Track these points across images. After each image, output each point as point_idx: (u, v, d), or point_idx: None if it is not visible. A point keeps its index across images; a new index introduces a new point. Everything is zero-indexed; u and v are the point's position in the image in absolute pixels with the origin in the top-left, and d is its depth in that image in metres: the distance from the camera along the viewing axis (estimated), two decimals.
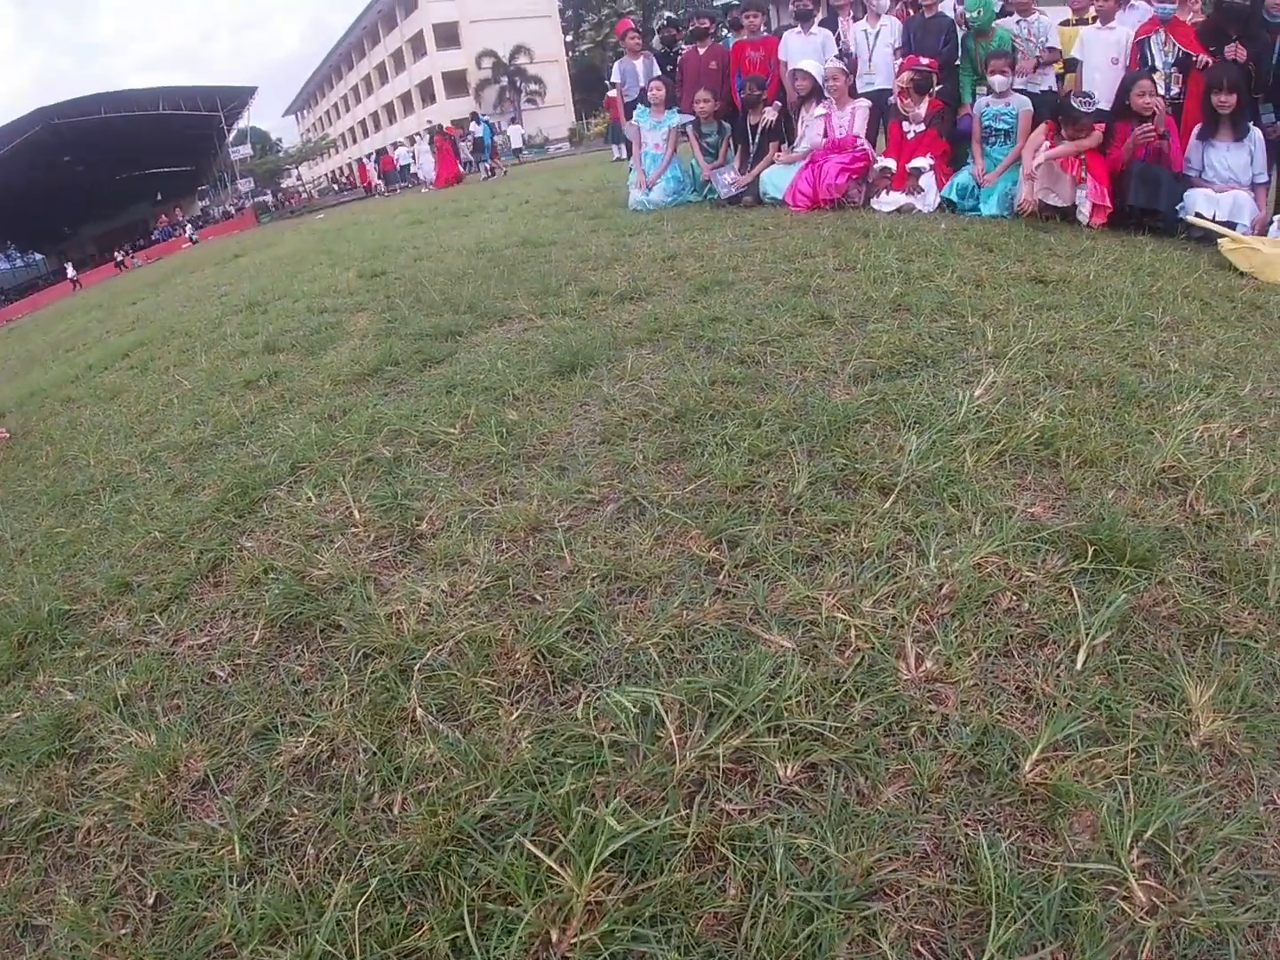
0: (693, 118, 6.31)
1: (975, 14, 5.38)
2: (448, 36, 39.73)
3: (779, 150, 5.99)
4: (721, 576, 1.63)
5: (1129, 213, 4.55)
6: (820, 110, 5.73)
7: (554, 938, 1.02)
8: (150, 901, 1.18)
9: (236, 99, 32.75)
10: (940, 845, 1.11)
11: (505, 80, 38.79)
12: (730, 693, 1.31)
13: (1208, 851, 1.08)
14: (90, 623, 1.89)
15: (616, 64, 7.57)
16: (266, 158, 40.90)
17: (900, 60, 5.61)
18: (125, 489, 2.61)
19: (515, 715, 1.35)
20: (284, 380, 3.35)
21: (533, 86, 39.36)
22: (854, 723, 1.28)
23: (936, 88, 5.36)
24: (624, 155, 12.84)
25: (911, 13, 6.05)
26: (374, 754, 1.32)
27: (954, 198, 5.24)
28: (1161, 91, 4.59)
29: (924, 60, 5.34)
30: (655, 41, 7.87)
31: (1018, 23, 5.35)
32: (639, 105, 6.72)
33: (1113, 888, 1.05)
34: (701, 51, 6.47)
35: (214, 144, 33.04)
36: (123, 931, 1.15)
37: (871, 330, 2.84)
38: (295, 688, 1.51)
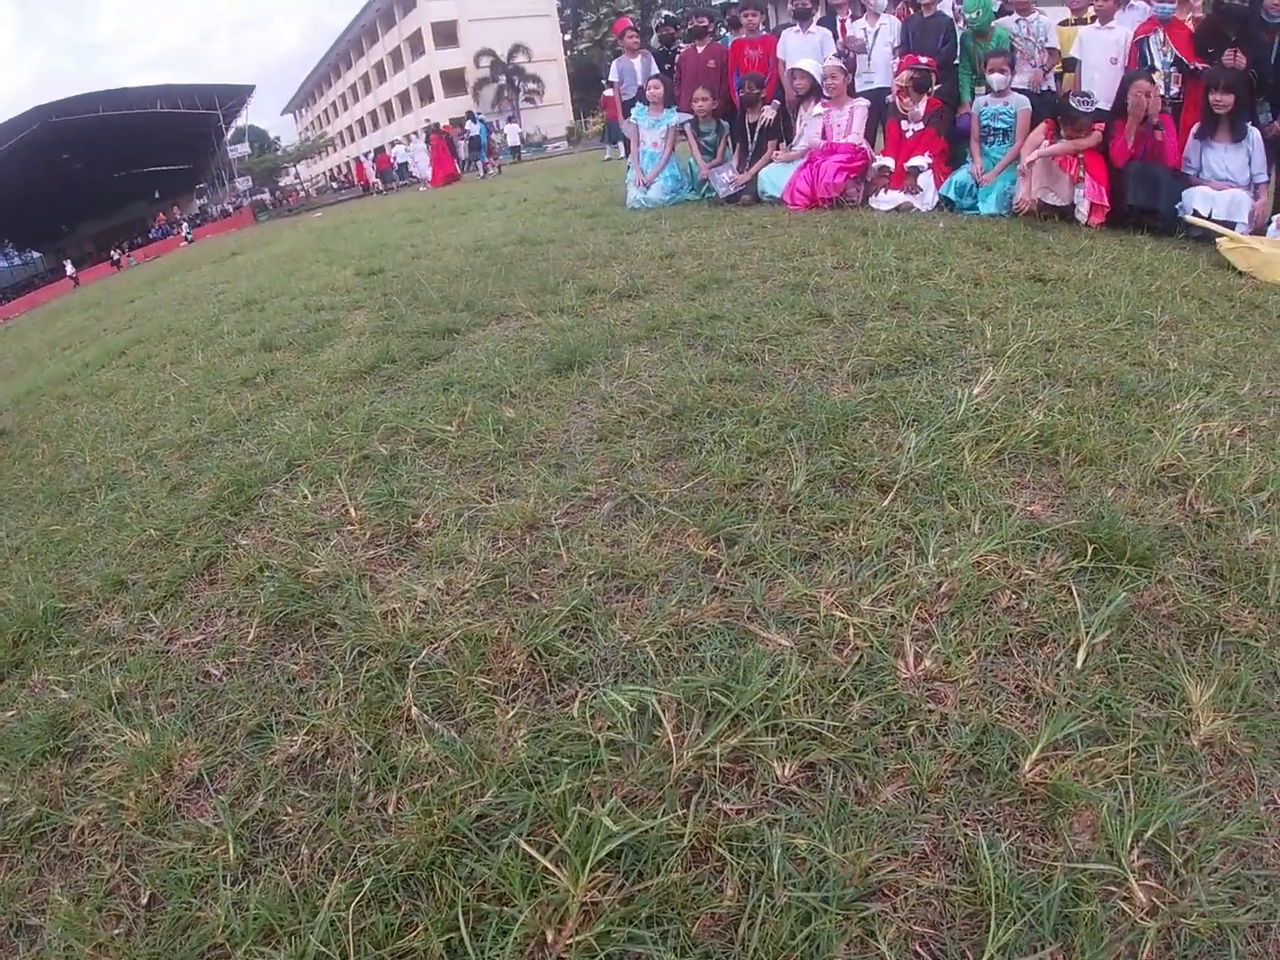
0: (691, 116, 6.32)
1: (974, 14, 5.39)
2: (446, 35, 39.69)
3: (777, 149, 5.99)
4: (719, 575, 1.62)
5: (1128, 212, 4.55)
6: (819, 109, 5.73)
7: (550, 938, 1.01)
8: (144, 901, 1.17)
9: (235, 97, 32.73)
10: (939, 845, 1.10)
11: (503, 79, 38.77)
12: (728, 691, 1.31)
13: (1208, 851, 1.08)
14: (85, 621, 1.88)
15: (615, 62, 7.56)
16: (264, 156, 40.87)
17: (899, 59, 5.61)
18: (121, 487, 2.60)
19: (511, 714, 1.34)
20: (280, 378, 3.34)
21: (531, 85, 39.33)
22: (852, 722, 1.27)
23: (935, 86, 5.36)
24: (616, 154, 12.86)
25: (910, 12, 6.05)
26: (369, 753, 1.31)
27: (952, 196, 5.24)
28: (1161, 91, 4.59)
29: (923, 59, 5.34)
30: (653, 40, 7.85)
31: (1017, 22, 5.35)
32: (637, 104, 6.71)
33: (1113, 888, 1.04)
34: (700, 50, 6.47)
35: (212, 142, 32.99)
36: (116, 931, 1.14)
37: (870, 328, 2.83)
38: (290, 686, 1.50)
